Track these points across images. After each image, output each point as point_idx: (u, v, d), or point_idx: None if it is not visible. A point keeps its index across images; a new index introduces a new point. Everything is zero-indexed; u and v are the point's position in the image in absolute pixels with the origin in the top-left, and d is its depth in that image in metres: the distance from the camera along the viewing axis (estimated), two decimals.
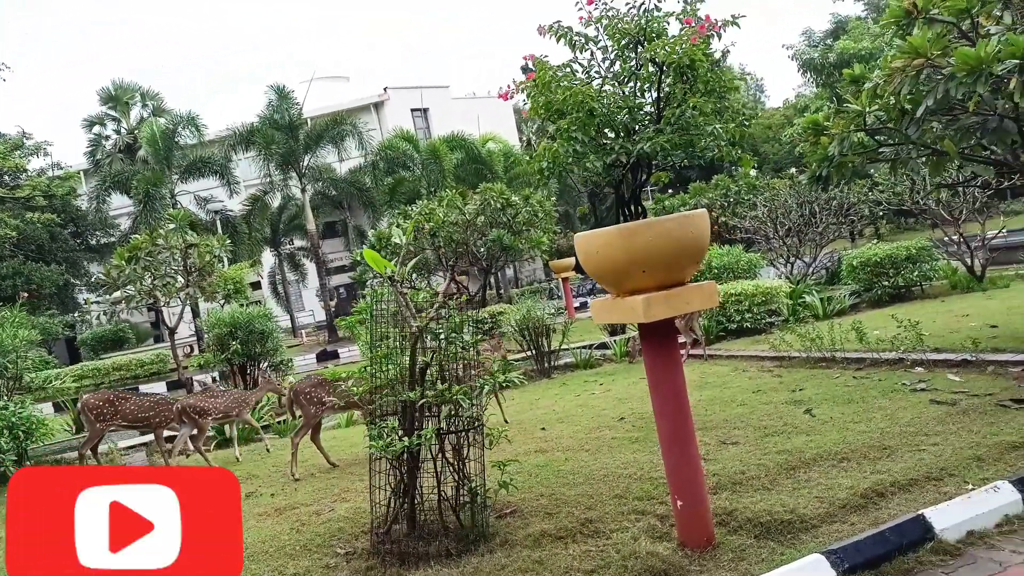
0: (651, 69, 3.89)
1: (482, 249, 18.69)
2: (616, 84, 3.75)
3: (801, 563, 3.90)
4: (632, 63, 3.75)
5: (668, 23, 3.71)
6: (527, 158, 36.56)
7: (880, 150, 8.59)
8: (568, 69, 3.82)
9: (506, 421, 8.34)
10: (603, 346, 13.10)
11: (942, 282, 15.15)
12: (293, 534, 5.43)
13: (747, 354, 10.69)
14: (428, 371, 4.73)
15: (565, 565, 4.26)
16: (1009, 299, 12.35)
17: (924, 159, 8.31)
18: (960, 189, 12.55)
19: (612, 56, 3.75)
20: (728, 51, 4.07)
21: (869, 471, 5.16)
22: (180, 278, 17.40)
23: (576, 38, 3.73)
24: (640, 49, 3.63)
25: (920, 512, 4.31)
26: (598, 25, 3.64)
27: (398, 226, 19.73)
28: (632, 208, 4.11)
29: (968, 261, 14.79)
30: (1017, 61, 5.91)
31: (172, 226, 17.10)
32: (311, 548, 5.09)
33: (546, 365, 12.17)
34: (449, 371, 4.79)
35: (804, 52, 35.47)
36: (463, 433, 4.82)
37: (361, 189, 30.20)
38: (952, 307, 12.48)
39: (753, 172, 23.56)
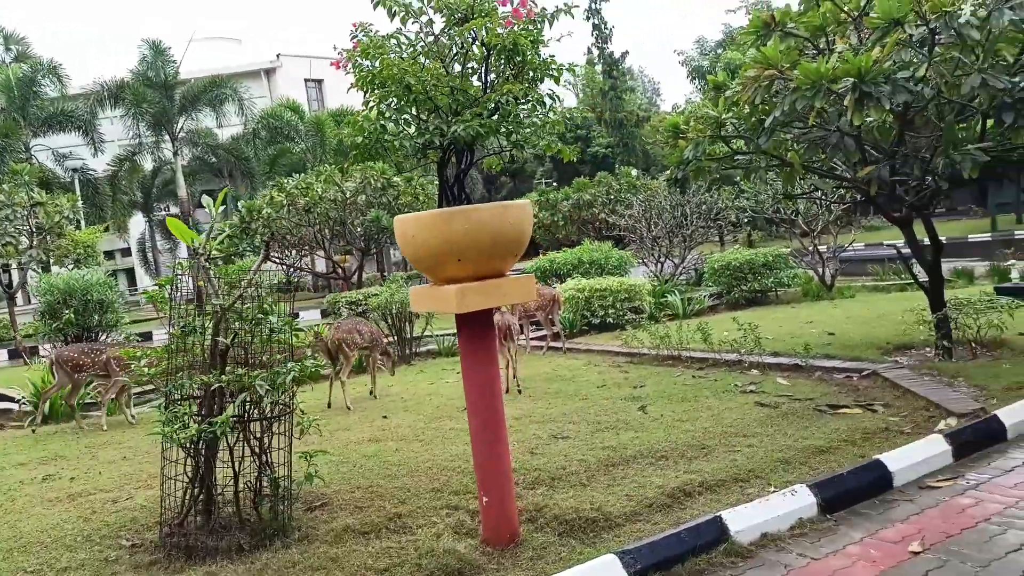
0: (480, 50, 3.74)
1: (359, 229, 18.22)
2: (442, 62, 3.58)
3: (594, 564, 3.87)
4: (459, 42, 3.60)
5: (497, 4, 3.61)
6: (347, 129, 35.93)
7: (736, 158, 8.85)
8: (394, 40, 3.61)
9: (372, 398, 8.19)
10: None
11: (796, 289, 15.95)
12: (79, 523, 4.99)
13: (603, 349, 10.83)
14: (231, 354, 4.41)
15: (359, 563, 4.07)
16: (852, 309, 13.10)
17: (776, 169, 8.61)
18: (818, 201, 13.17)
19: (438, 32, 3.57)
20: (563, 38, 3.97)
21: (683, 470, 5.24)
22: (24, 239, 16.04)
23: (397, 8, 3.53)
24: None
25: (718, 514, 4.37)
26: None
27: (240, 200, 19.07)
28: (456, 193, 3.95)
29: (820, 271, 15.60)
30: (852, 79, 6.13)
31: (15, 181, 15.66)
32: (94, 539, 4.68)
33: (406, 351, 11.94)
34: (254, 355, 4.49)
35: (693, 59, 36.59)
36: (267, 421, 4.53)
37: (240, 158, 28.84)
38: (800, 313, 13.12)
39: (634, 172, 24.18)
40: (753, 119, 7.98)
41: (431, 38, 3.87)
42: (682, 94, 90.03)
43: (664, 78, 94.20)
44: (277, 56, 47.42)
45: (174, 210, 37.53)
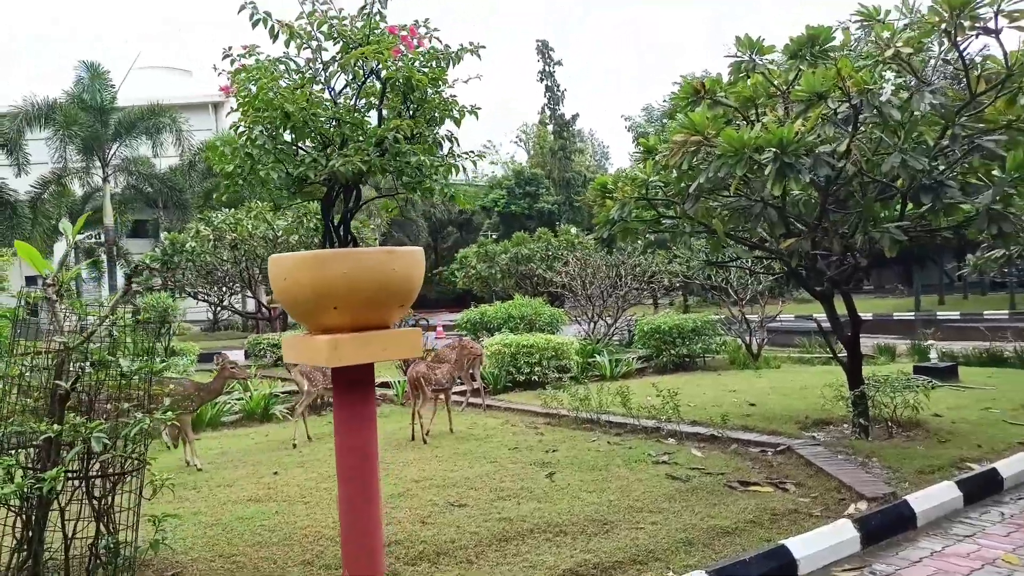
0: (375, 83, 3.49)
1: None
2: (332, 91, 3.32)
3: None
4: (351, 72, 3.34)
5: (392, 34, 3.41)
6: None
7: (664, 222, 8.76)
8: (282, 66, 3.33)
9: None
10: (384, 384, 12.47)
11: (724, 357, 15.93)
12: None
13: (523, 408, 10.47)
14: (73, 400, 3.91)
15: None
16: (775, 379, 13.06)
17: (704, 236, 8.52)
18: (747, 270, 13.20)
19: (328, 58, 3.30)
20: (471, 80, 3.76)
21: (580, 548, 4.87)
22: None
23: (281, 29, 3.26)
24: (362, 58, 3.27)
25: None
26: (312, 21, 3.23)
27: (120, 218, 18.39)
28: (342, 235, 3.65)
29: (747, 340, 15.64)
30: (774, 150, 6.06)
31: None
32: None
33: (318, 401, 11.35)
34: (99, 402, 4.00)
35: (640, 125, 37.43)
36: (111, 478, 4.02)
37: (174, 189, 27.96)
38: (725, 381, 13.01)
39: (574, 230, 24.27)
40: (681, 184, 7.90)
41: (318, 64, 3.57)
42: (628, 159, 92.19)
43: (613, 142, 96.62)
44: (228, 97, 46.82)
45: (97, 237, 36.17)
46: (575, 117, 56.89)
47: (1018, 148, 6.46)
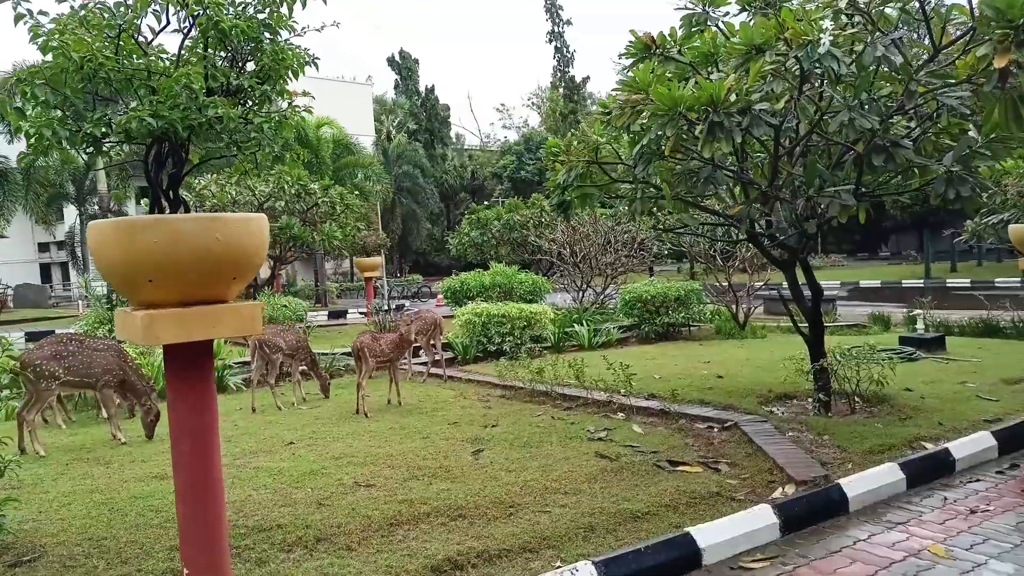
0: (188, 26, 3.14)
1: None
2: (142, 37, 2.97)
3: None
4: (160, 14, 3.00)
5: None
6: (363, 149, 35.27)
7: (622, 186, 8.34)
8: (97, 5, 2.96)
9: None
10: (347, 354, 12.22)
11: (711, 326, 15.53)
12: None
13: (481, 379, 10.18)
14: None
15: None
16: (756, 350, 12.66)
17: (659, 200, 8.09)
18: (705, 237, 12.58)
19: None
20: (325, 28, 3.38)
21: (473, 534, 4.59)
22: None
23: None
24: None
25: None
26: None
27: None
28: (171, 198, 3.34)
29: (734, 309, 15.20)
30: (704, 108, 5.62)
31: None
32: None
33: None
34: None
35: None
36: None
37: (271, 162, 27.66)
38: (703, 352, 12.64)
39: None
40: (634, 147, 7.47)
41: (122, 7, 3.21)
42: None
43: None
44: None
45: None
46: (586, 80, 55.86)
47: (991, 105, 5.94)
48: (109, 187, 32.14)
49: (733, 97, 5.70)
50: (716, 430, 7.12)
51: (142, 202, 28.29)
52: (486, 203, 21.93)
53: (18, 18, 3.16)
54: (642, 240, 17.66)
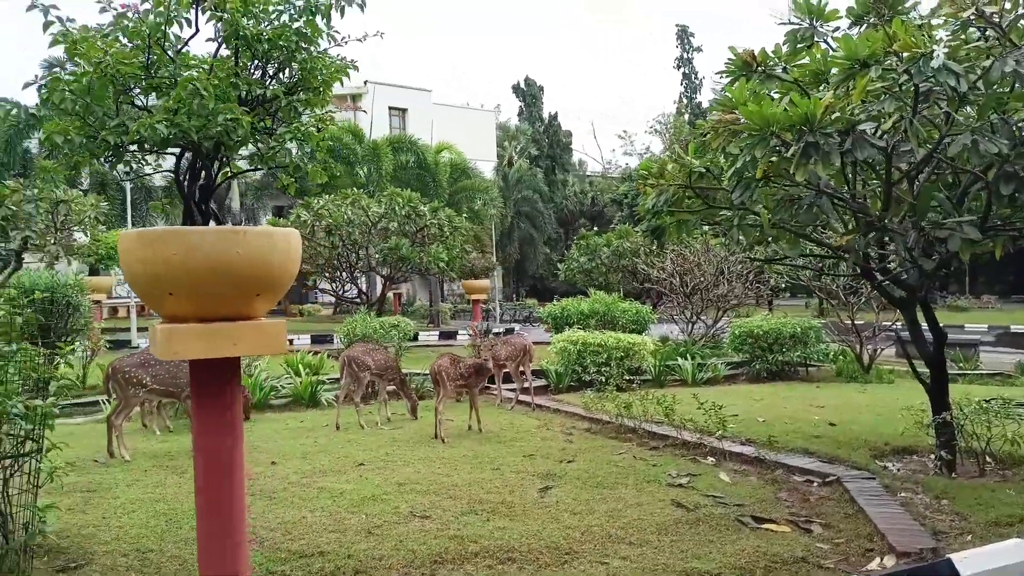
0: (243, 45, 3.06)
1: (376, 255, 17.75)
2: (167, 43, 2.90)
3: None
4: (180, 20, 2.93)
5: None
6: (483, 175, 35.77)
7: (722, 212, 7.82)
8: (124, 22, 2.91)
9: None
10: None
11: (830, 366, 14.43)
12: None
13: (569, 410, 9.79)
14: None
15: None
16: (880, 395, 11.61)
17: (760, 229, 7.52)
18: (818, 270, 11.55)
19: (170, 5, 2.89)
20: (368, 37, 3.24)
21: None
22: (49, 236, 16.30)
23: None
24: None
25: None
26: None
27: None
28: (203, 209, 3.28)
29: (857, 349, 14.05)
30: (798, 127, 5.10)
31: (43, 178, 15.97)
32: None
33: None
34: None
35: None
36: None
37: (297, 176, 29.13)
38: (819, 395, 11.71)
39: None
40: (730, 171, 6.97)
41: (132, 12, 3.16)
42: None
43: None
44: (364, 83, 48.53)
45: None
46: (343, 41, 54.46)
47: None
48: (243, 206, 34.21)
49: (834, 115, 5.15)
50: (815, 484, 6.43)
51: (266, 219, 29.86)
52: (595, 229, 21.57)
53: (47, 26, 3.18)
54: (759, 272, 16.73)
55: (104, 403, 7.63)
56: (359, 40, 3.48)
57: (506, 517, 5.35)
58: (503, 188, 46.29)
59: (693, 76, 54.07)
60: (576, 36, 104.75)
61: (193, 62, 3.35)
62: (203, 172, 3.41)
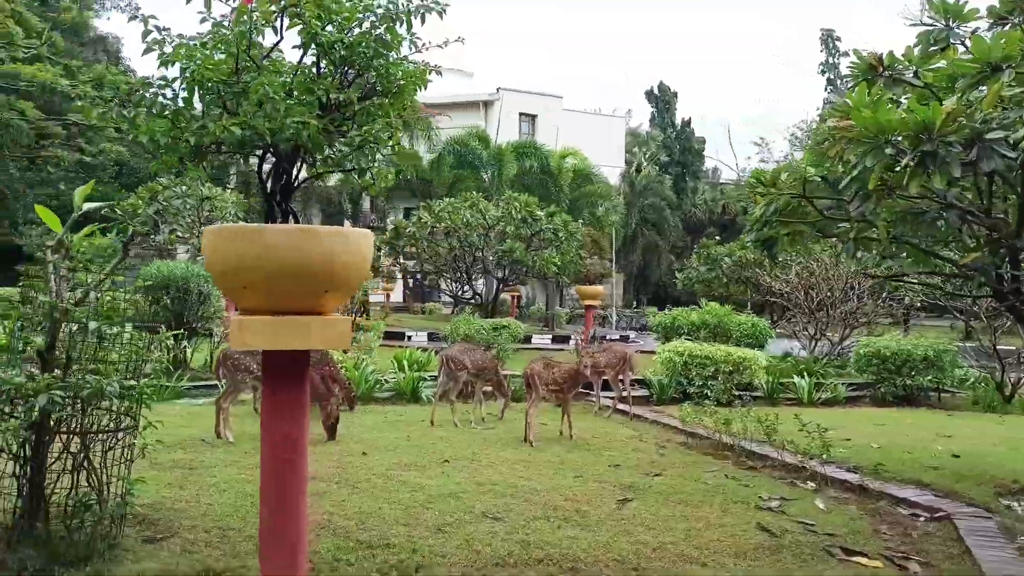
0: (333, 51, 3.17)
1: (490, 257, 17.98)
2: (249, 53, 3.02)
3: None
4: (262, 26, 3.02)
5: None
6: (607, 180, 35.51)
7: (840, 224, 7.38)
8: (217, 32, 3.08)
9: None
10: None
11: (967, 393, 13.29)
12: None
13: (668, 422, 9.51)
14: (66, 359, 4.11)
15: None
16: (1020, 429, 10.59)
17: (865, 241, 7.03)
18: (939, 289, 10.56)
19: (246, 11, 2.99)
20: (449, 42, 3.26)
21: None
22: (195, 230, 17.62)
23: None
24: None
25: None
26: None
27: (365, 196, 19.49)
28: (282, 207, 3.39)
29: (999, 376, 12.86)
30: (913, 135, 4.72)
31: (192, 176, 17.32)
32: None
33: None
34: (83, 362, 4.15)
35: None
36: (91, 436, 4.18)
37: (424, 180, 30.08)
38: (949, 424, 10.81)
39: None
40: (846, 180, 6.57)
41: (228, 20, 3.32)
42: None
43: None
44: (496, 90, 49.44)
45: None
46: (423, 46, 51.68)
47: None
48: (375, 206, 35.66)
49: (957, 123, 4.72)
50: (923, 520, 5.92)
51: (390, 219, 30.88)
52: (716, 239, 20.87)
53: (146, 34, 3.42)
54: (894, 288, 15.65)
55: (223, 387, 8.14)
56: (440, 46, 3.53)
57: (578, 526, 5.26)
58: (628, 194, 45.73)
59: (838, 81, 51.31)
60: (712, 35, 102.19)
61: (284, 68, 3.51)
62: (284, 173, 3.56)
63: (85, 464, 4.17)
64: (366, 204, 29.88)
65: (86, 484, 4.20)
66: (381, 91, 3.42)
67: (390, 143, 3.58)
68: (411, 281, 40.53)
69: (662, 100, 61.90)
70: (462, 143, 29.38)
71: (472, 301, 20.18)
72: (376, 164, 3.58)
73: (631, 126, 65.61)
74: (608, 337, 23.13)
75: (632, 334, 27.15)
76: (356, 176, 3.64)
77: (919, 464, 7.73)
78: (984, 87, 5.12)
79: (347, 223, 43.41)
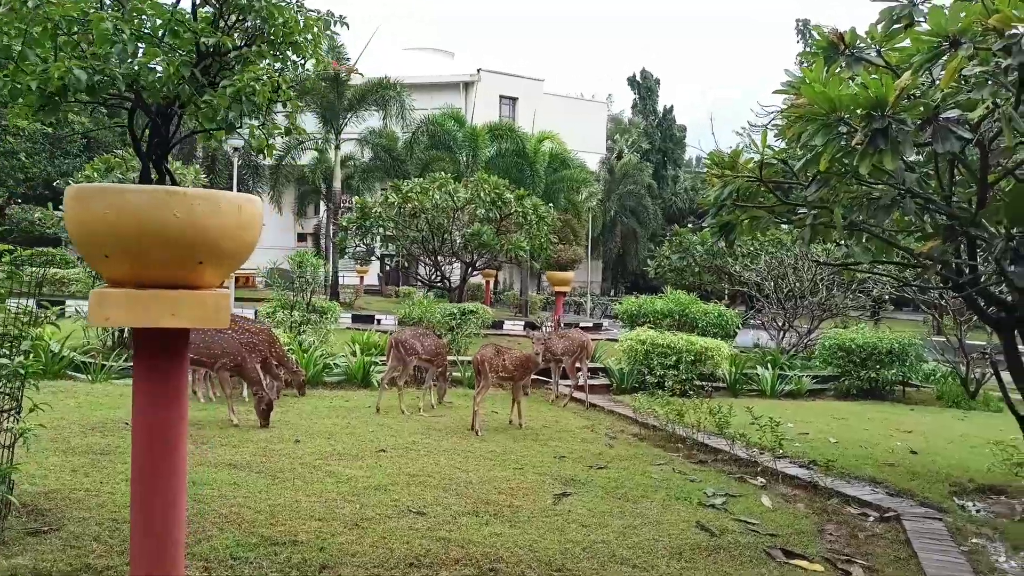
0: None
1: (458, 240, 17.59)
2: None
3: None
4: None
5: None
6: (585, 165, 35.16)
7: (800, 210, 7.10)
8: None
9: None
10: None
11: (932, 388, 13.16)
12: None
13: (623, 413, 9.24)
14: None
15: None
16: (982, 425, 10.44)
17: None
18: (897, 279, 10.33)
19: None
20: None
21: None
22: None
23: None
24: None
25: None
26: None
27: (386, 199, 18.97)
28: (157, 167, 3.03)
29: (964, 371, 12.73)
30: (865, 112, 4.42)
31: None
32: None
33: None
34: None
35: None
36: None
37: (397, 159, 29.53)
38: (910, 419, 10.66)
39: (785, 227, 21.42)
40: (800, 163, 6.28)
41: None
42: None
43: None
44: (477, 71, 48.85)
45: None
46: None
47: None
48: (350, 186, 35.02)
49: (909, 99, 4.43)
50: (871, 519, 5.69)
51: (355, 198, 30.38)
52: (689, 226, 20.59)
53: None
54: (862, 280, 15.48)
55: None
56: None
57: (507, 522, 4.96)
58: (608, 181, 45.45)
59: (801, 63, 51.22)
60: (698, 25, 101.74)
61: (151, 11, 3.12)
62: (158, 129, 3.18)
63: None
64: (336, 183, 29.22)
65: None
66: (267, 38, 3.04)
67: (278, 98, 3.19)
68: (386, 265, 40.10)
69: (644, 87, 61.54)
70: (437, 123, 28.85)
71: (440, 285, 19.76)
72: (261, 122, 3.20)
73: (613, 112, 65.22)
74: (580, 324, 22.85)
75: (606, 322, 26.90)
76: (238, 136, 3.27)
77: (875, 460, 7.52)
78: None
79: (322, 204, 42.81)
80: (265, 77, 2.91)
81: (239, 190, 25.67)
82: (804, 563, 4.64)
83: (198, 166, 21.94)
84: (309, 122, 30.94)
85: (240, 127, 3.17)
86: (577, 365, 9.85)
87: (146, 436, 3.28)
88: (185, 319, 3.11)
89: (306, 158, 34.73)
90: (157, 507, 3.28)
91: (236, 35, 2.98)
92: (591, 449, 7.30)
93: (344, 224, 20.00)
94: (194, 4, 2.99)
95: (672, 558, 4.57)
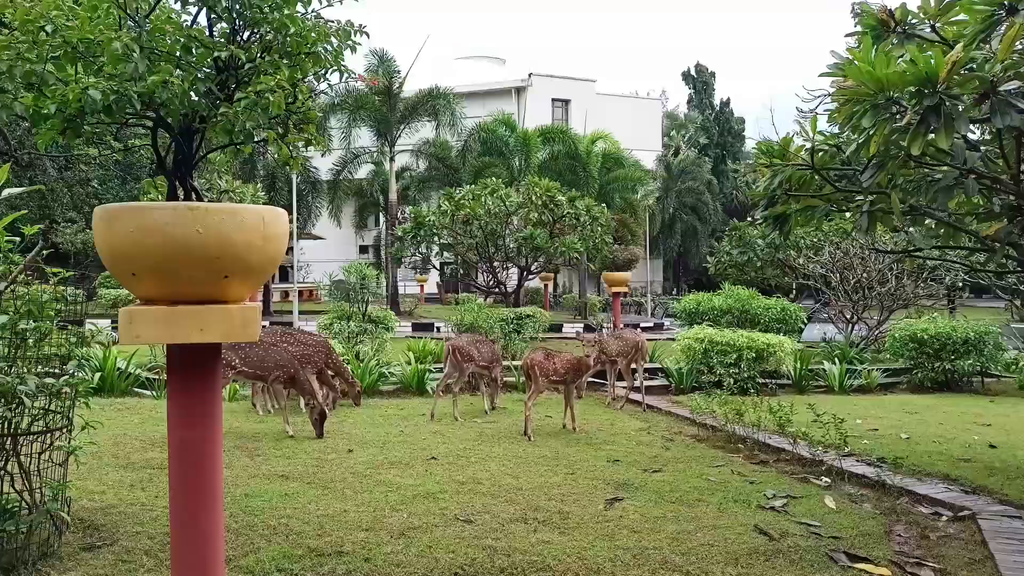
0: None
1: (511, 245, 17.53)
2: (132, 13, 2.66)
3: None
4: None
5: None
6: (640, 164, 34.69)
7: (857, 197, 6.80)
8: None
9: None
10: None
11: (1011, 378, 12.48)
12: None
13: (681, 413, 9.02)
14: None
15: None
16: None
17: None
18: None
19: None
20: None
21: None
22: None
23: None
24: None
25: None
26: None
27: (439, 207, 19.07)
28: (185, 184, 3.03)
29: None
30: (915, 89, 4.18)
31: (210, 170, 17.21)
32: None
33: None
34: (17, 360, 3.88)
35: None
36: (20, 437, 3.91)
37: (450, 168, 29.72)
38: (990, 412, 10.10)
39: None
40: (851, 148, 6.01)
41: None
42: None
43: None
44: (528, 75, 48.90)
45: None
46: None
47: None
48: (407, 197, 35.43)
49: (963, 73, 4.17)
50: (944, 519, 5.37)
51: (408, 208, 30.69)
52: (749, 221, 20.02)
53: None
54: (933, 268, 14.82)
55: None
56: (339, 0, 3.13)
57: (556, 529, 4.86)
58: (666, 178, 44.78)
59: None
60: (752, 14, 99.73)
61: (172, 31, 3.14)
62: (178, 145, 3.20)
63: (7, 468, 3.91)
64: (392, 195, 29.59)
65: (11, 489, 3.94)
66: (280, 50, 3.03)
67: (297, 107, 3.17)
68: (444, 273, 40.42)
69: (699, 81, 60.53)
70: (488, 130, 28.94)
71: (496, 291, 19.75)
72: (282, 134, 3.18)
73: (669, 108, 64.42)
74: (640, 325, 22.54)
75: (667, 321, 26.47)
76: (254, 146, 3.27)
77: (949, 456, 7.15)
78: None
79: (381, 216, 43.44)
80: (277, 87, 2.89)
81: (298, 207, 26.18)
82: (869, 566, 4.40)
83: (259, 183, 22.55)
84: (364, 136, 31.52)
85: (256, 140, 3.17)
86: (632, 366, 9.67)
87: (181, 452, 3.30)
88: (214, 334, 3.11)
89: (363, 171, 35.32)
90: (195, 523, 3.29)
91: (253, 48, 2.98)
92: (646, 452, 7.13)
93: (399, 234, 20.20)
94: (210, 21, 3.01)
95: (728, 564, 4.39)
